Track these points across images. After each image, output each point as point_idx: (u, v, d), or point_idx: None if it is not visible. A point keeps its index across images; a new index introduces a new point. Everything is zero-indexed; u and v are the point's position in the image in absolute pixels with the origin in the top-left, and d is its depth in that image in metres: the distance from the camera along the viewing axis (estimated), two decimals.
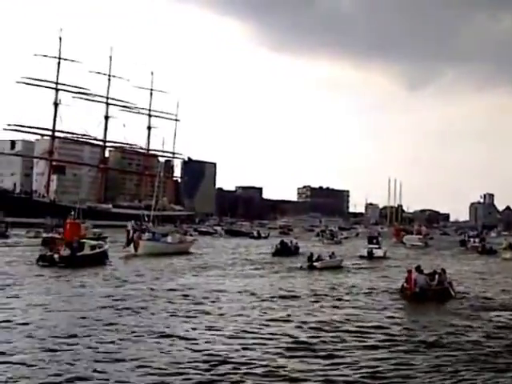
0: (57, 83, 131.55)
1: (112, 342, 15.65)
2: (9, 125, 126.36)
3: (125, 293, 24.94)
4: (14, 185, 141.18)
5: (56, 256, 35.19)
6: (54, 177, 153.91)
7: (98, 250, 38.69)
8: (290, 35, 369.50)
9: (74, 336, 16.19)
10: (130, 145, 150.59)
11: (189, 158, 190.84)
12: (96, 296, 23.88)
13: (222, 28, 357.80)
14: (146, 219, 56.37)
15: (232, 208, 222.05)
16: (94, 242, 40.95)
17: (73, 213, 49.42)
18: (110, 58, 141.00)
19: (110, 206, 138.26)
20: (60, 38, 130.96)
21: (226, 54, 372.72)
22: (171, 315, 20.06)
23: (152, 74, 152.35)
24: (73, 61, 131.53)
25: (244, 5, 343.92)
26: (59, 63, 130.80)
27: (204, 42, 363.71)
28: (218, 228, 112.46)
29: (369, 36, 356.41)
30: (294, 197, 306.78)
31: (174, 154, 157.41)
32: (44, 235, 57.21)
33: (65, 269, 33.13)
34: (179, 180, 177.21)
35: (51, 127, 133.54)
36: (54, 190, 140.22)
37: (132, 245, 47.75)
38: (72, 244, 36.87)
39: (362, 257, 51.60)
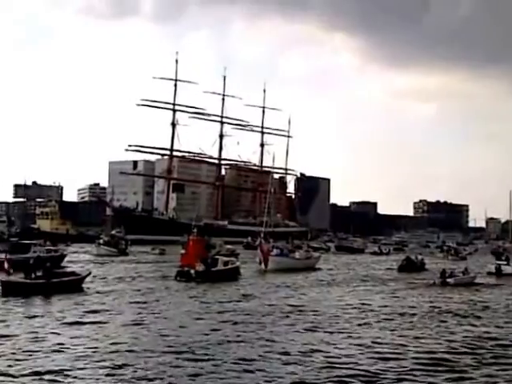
0: (174, 104, 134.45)
1: (249, 358, 15.89)
2: (130, 146, 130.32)
3: (257, 307, 25.87)
4: (137, 203, 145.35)
5: (192, 271, 37.11)
6: (174, 195, 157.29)
7: (230, 266, 40.27)
8: (400, 49, 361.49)
9: (207, 348, 16.84)
10: (244, 162, 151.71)
11: (302, 174, 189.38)
12: (230, 310, 24.74)
13: (330, 43, 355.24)
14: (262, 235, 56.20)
15: (346, 224, 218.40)
16: (226, 259, 43.11)
17: (195, 230, 50.66)
18: (224, 77, 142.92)
19: (226, 222, 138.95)
20: (176, 61, 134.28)
21: (334, 68, 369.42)
22: (304, 329, 20.37)
23: (264, 91, 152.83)
24: (189, 82, 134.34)
25: (352, 19, 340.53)
26: (176, 85, 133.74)
27: (312, 57, 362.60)
28: (331, 244, 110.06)
29: (483, 47, 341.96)
30: (409, 211, 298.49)
31: (286, 170, 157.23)
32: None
33: (201, 284, 34.72)
34: (293, 196, 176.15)
35: (169, 147, 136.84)
36: (173, 208, 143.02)
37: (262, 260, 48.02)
38: (207, 260, 38.86)
39: (489, 273, 48.67)
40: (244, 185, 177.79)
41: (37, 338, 18.09)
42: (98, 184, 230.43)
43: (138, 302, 26.60)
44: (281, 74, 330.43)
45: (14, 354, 15.83)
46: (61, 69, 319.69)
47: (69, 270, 38.22)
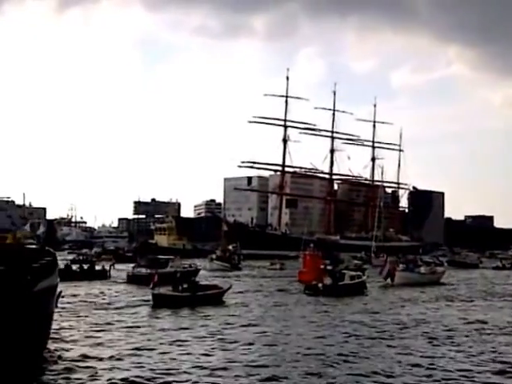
0: (285, 120, 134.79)
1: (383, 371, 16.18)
2: (242, 162, 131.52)
3: (386, 321, 26.21)
4: (251, 219, 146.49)
5: (320, 285, 37.74)
6: (287, 210, 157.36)
7: (357, 280, 40.44)
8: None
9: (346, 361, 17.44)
10: (355, 177, 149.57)
11: (414, 188, 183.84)
12: (360, 323, 25.28)
13: (443, 55, 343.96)
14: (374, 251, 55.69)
15: (461, 238, 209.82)
16: (353, 273, 43.18)
17: (312, 245, 51.60)
18: (334, 92, 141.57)
19: (338, 237, 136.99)
20: (287, 78, 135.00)
21: (448, 80, 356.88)
22: (432, 344, 20.35)
23: (375, 106, 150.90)
24: (299, 98, 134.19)
25: (468, 31, 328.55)
26: (287, 101, 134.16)
27: (424, 69, 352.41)
28: (443, 259, 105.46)
29: None
30: None
31: (399, 184, 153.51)
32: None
33: (328, 297, 35.30)
34: (406, 210, 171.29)
35: (281, 163, 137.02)
36: (285, 223, 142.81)
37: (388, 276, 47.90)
38: (335, 274, 39.66)
39: None
40: (356, 199, 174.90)
41: (185, 345, 19.76)
42: (213, 200, 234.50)
43: (273, 316, 27.88)
44: (391, 86, 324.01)
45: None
46: (177, 89, 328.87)
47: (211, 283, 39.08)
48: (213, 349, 19.24)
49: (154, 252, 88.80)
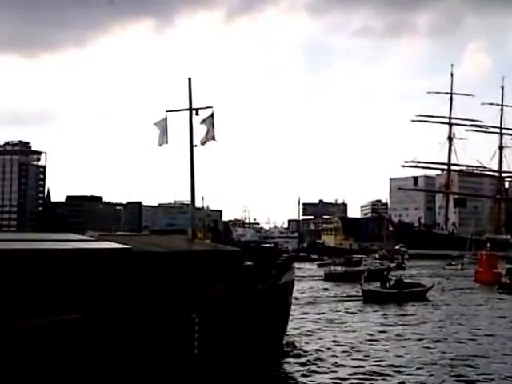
0: (450, 118, 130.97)
1: None
2: (406, 162, 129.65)
3: None
4: (418, 219, 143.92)
5: None
6: (456, 209, 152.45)
7: None
8: None
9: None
10: None
11: None
12: None
13: None
14: None
15: None
16: None
17: (488, 245, 50.60)
18: (502, 87, 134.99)
19: (509, 236, 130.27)
20: (451, 74, 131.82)
21: None
22: None
23: None
24: (465, 95, 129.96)
25: None
26: (451, 98, 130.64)
27: None
28: None
29: None
30: None
31: None
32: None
33: None
34: None
35: (446, 161, 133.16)
36: (452, 223, 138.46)
37: None
38: None
39: None
40: None
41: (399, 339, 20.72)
42: (379, 200, 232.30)
43: (464, 314, 28.01)
44: None
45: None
46: (339, 91, 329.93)
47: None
48: (421, 346, 19.45)
49: (322, 252, 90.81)
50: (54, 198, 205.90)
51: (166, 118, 20.81)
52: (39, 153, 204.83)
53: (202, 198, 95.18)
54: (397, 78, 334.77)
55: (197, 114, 20.83)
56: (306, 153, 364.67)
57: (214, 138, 20.60)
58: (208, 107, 20.79)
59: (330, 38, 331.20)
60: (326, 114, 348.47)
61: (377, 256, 71.31)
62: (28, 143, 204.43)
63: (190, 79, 21.15)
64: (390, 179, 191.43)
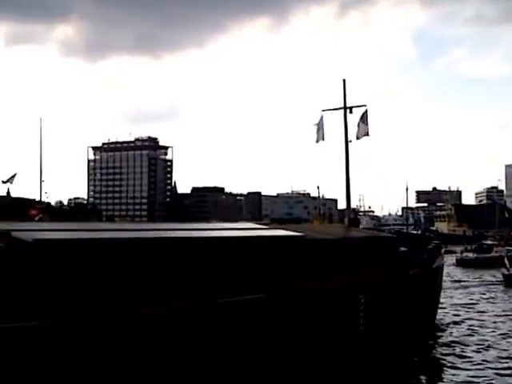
0: None
1: None
2: None
3: None
4: None
5: None
6: None
7: None
8: None
9: None
10: None
11: None
12: None
13: None
14: None
15: None
16: None
17: None
18: None
19: None
20: None
21: None
22: None
23: None
24: None
25: None
26: None
27: None
28: None
29: None
30: None
31: None
32: None
33: None
34: None
35: None
36: None
37: None
38: None
39: None
40: None
41: None
42: (495, 187, 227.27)
43: None
44: None
45: None
46: (452, 79, 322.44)
47: None
48: None
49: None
50: (180, 190, 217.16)
51: (322, 117, 21.64)
52: (166, 147, 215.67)
53: (318, 187, 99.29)
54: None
55: (350, 112, 21.24)
56: (420, 139, 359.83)
57: (367, 134, 21.16)
58: (362, 105, 21.36)
59: (441, 27, 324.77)
60: (438, 101, 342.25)
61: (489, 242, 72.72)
62: (156, 139, 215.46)
63: (344, 80, 21.59)
64: (506, 166, 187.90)
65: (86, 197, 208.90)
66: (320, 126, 21.79)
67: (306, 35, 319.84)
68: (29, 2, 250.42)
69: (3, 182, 44.41)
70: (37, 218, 28.03)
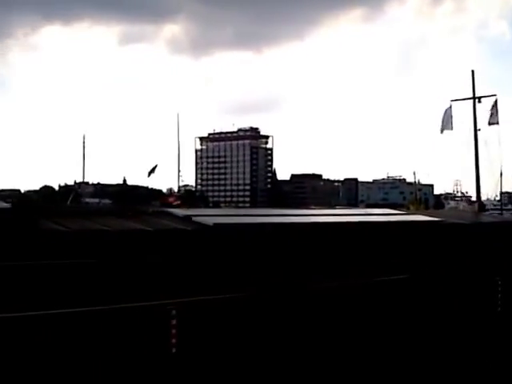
0: None
1: None
2: None
3: None
4: None
5: None
6: None
7: None
8: None
9: None
10: None
11: None
12: None
13: None
14: None
15: None
16: None
17: None
18: None
19: None
20: None
21: None
22: None
23: None
24: None
25: None
26: None
27: None
28: None
29: None
30: None
31: None
32: None
33: None
34: None
35: None
36: None
37: None
38: None
39: None
40: None
41: None
42: None
43: None
44: None
45: None
46: None
47: None
48: None
49: None
50: (279, 177, 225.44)
51: (450, 107, 22.27)
52: (267, 137, 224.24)
53: (414, 173, 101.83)
54: None
55: (479, 101, 21.63)
56: None
57: (497, 123, 21.32)
58: (491, 95, 22.02)
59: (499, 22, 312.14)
60: None
61: None
62: (257, 129, 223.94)
63: (473, 71, 22.07)
64: None
65: (194, 184, 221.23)
66: (448, 116, 21.85)
67: (401, 24, 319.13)
68: (140, 3, 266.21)
69: (148, 175, 51.81)
70: (175, 204, 35.09)
